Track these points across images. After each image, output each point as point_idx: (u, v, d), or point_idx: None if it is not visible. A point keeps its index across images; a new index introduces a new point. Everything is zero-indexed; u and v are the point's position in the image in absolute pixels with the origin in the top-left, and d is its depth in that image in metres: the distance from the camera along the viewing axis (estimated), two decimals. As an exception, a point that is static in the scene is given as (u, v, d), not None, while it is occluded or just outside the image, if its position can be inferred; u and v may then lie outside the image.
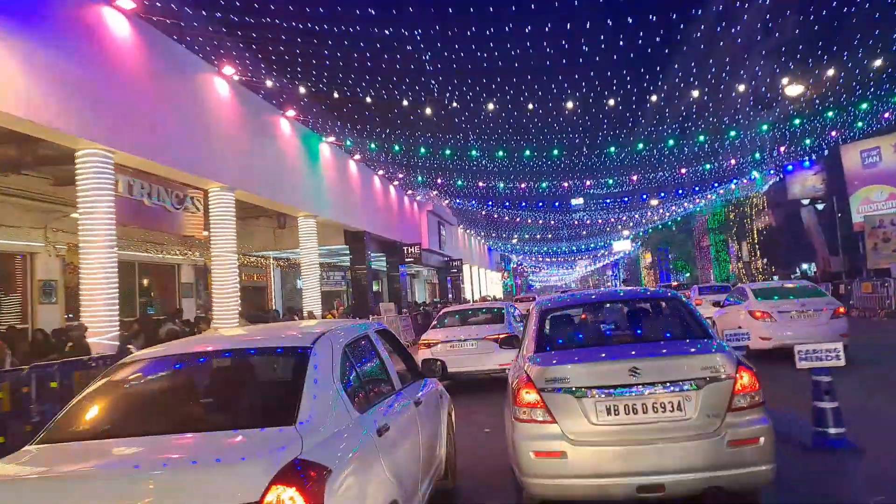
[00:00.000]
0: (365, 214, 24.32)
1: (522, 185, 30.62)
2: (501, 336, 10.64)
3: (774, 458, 4.06)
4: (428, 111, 19.45)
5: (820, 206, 29.09)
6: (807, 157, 28.07)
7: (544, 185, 31.00)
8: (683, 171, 42.98)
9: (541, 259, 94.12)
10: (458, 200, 36.43)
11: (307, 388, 3.10)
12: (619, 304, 6.45)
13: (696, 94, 23.93)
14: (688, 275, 57.82)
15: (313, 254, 18.38)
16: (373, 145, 21.44)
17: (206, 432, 2.99)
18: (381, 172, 26.99)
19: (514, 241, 69.64)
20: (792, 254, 30.97)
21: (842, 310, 11.67)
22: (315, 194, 19.01)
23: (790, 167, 27.39)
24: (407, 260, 29.16)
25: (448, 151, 23.68)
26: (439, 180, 29.43)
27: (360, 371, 3.90)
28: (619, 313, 6.49)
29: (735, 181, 41.16)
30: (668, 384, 4.07)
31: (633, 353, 4.61)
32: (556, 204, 41.60)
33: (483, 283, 61.91)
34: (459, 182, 30.01)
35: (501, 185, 30.50)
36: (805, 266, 32.40)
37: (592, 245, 72.53)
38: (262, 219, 22.13)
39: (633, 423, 4.07)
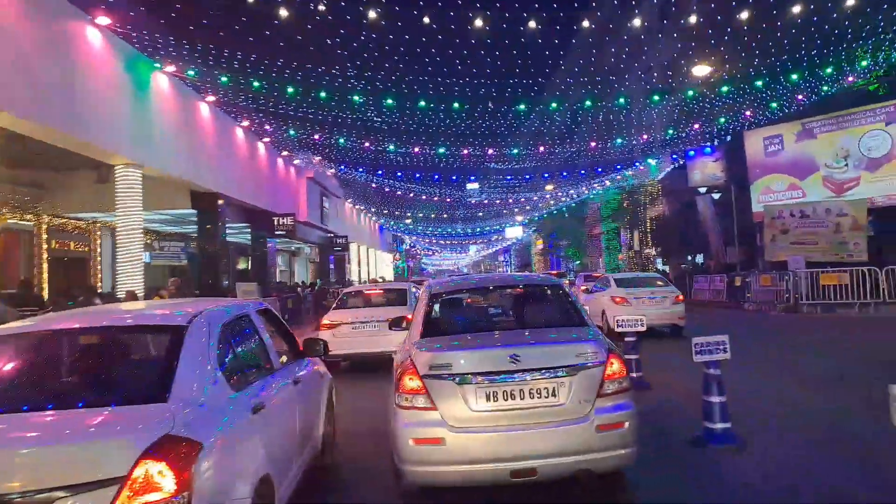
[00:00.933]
0: (221, 173, 20.17)
1: (416, 150, 27.21)
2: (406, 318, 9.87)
3: (636, 441, 4.30)
4: (283, 13, 15.01)
5: (716, 196, 28.24)
6: (708, 144, 27.06)
7: (441, 150, 27.75)
8: (579, 157, 42.02)
9: (434, 241, 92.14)
10: (343, 167, 32.58)
11: (181, 365, 3.14)
12: (507, 289, 6.43)
13: (594, 76, 21.89)
14: (578, 262, 57.57)
15: (135, 215, 14.17)
16: (224, 78, 17.21)
17: (78, 408, 2.94)
18: (245, 124, 22.77)
19: (409, 220, 66.82)
20: (685, 243, 30.22)
21: (680, 297, 14.40)
22: (142, 137, 14.68)
23: (691, 153, 26.29)
24: (277, 233, 25.21)
25: (323, 94, 19.67)
26: (316, 136, 25.40)
27: (238, 350, 3.96)
28: (506, 298, 6.46)
29: (632, 167, 40.43)
30: (544, 371, 4.22)
31: (515, 340, 4.75)
32: (454, 178, 38.79)
33: (373, 265, 58.47)
34: (341, 140, 26.13)
35: (392, 146, 26.93)
36: (699, 256, 31.85)
37: (487, 228, 71.10)
38: (81, 171, 17.48)
39: (510, 409, 4.18)
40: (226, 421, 3.15)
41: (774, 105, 23.04)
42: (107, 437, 2.64)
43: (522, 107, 23.33)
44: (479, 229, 70.04)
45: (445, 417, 4.16)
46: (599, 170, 39.52)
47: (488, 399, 4.17)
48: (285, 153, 27.61)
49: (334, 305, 12.50)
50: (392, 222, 61.20)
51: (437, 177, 35.87)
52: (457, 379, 4.19)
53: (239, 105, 21.00)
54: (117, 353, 3.66)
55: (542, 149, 40.62)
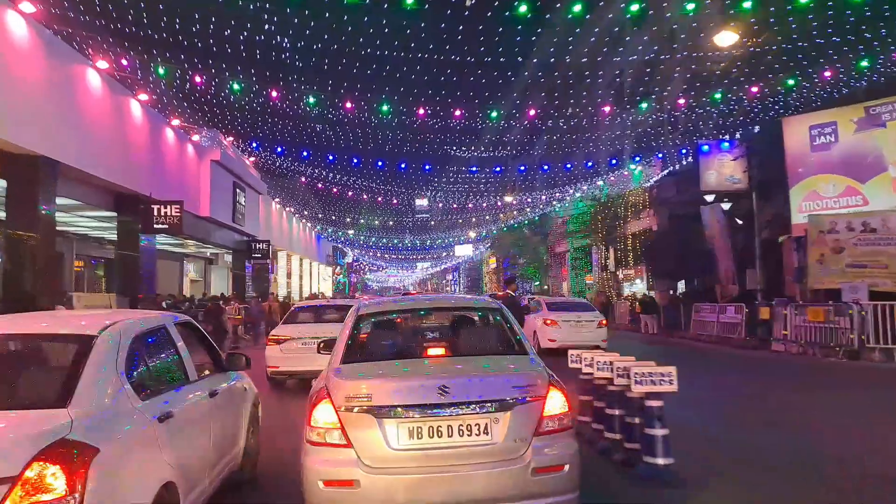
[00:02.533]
0: (55, 128, 13.30)
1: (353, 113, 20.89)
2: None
3: (578, 485, 3.87)
4: None
5: (726, 206, 22.85)
6: (726, 139, 21.66)
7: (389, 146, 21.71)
8: (546, 159, 36.73)
9: (379, 255, 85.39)
10: (256, 144, 25.77)
11: (86, 374, 3.22)
12: (444, 311, 6.15)
13: (571, 45, 16.66)
14: (537, 283, 52.02)
15: None
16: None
17: None
18: (105, 67, 15.83)
19: (351, 232, 60.14)
20: (682, 265, 24.76)
21: (604, 322, 15.68)
22: None
23: (705, 147, 20.88)
24: (157, 227, 18.23)
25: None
26: (196, 77, 18.67)
27: (151, 361, 4.00)
28: (443, 322, 6.15)
29: (609, 174, 35.19)
30: (475, 405, 3.75)
31: (445, 369, 4.31)
32: (403, 166, 32.25)
33: (308, 278, 51.29)
34: (235, 85, 19.45)
35: (312, 98, 20.54)
36: (695, 281, 26.43)
37: (438, 241, 64.89)
38: None
39: (435, 448, 3.71)
40: (128, 428, 3.24)
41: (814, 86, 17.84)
42: (2, 439, 2.74)
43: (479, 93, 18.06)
44: (428, 241, 63.70)
45: (362, 456, 3.67)
46: (569, 172, 34.23)
47: (411, 436, 3.69)
48: (177, 121, 20.67)
49: (283, 320, 12.46)
50: (332, 230, 54.10)
51: (380, 164, 29.34)
52: (376, 412, 3.70)
53: (91, 35, 14.18)
54: (25, 360, 3.71)
55: (503, 151, 35.41)
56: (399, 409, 3.69)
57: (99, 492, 2.74)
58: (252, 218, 29.73)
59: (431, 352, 4.98)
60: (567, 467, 3.76)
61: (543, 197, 44.20)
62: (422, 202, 70.90)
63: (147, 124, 18.62)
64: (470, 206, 50.30)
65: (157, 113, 19.84)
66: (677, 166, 27.01)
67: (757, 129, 21.79)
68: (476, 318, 5.69)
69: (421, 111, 21.02)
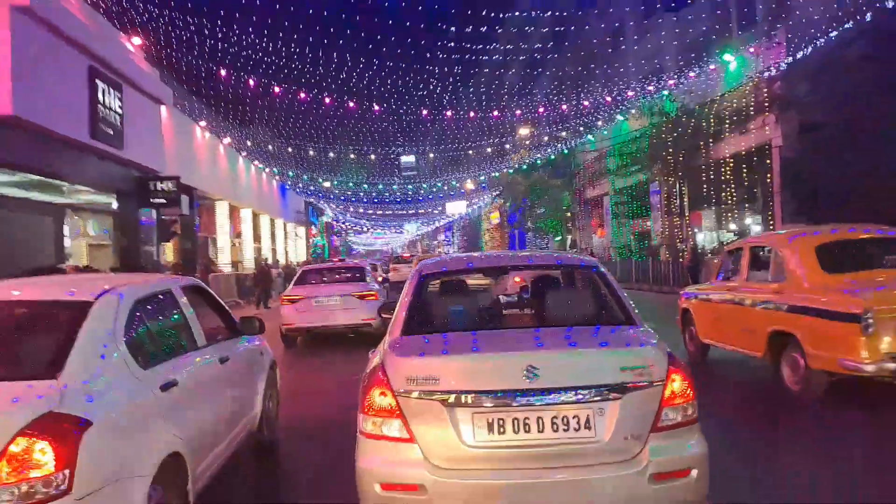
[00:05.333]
0: None
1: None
2: (366, 293, 11.46)
3: (706, 496, 3.05)
4: None
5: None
6: None
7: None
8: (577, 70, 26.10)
9: (364, 213, 74.57)
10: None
11: (80, 342, 3.10)
12: (527, 271, 5.40)
13: None
14: (558, 239, 41.58)
15: None
16: None
17: None
18: None
19: (328, 184, 49.14)
20: (834, 196, 14.59)
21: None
22: None
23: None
24: None
25: None
26: None
27: (154, 327, 3.87)
28: (526, 285, 5.46)
29: (673, 78, 24.62)
30: (575, 391, 2.95)
31: (533, 344, 3.36)
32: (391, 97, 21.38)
33: (270, 238, 40.47)
34: None
35: None
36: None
37: (432, 193, 53.94)
38: None
39: (522, 446, 2.95)
40: (126, 399, 3.13)
41: None
42: None
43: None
44: (421, 191, 52.68)
45: (428, 454, 2.97)
46: (609, 83, 23.57)
47: (490, 430, 2.95)
48: None
49: (294, 280, 12.94)
50: (292, 174, 42.79)
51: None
52: (447, 399, 2.96)
53: None
54: (14, 329, 3.49)
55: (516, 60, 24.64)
56: (475, 395, 2.94)
57: (92, 466, 2.66)
58: (145, 140, 18.71)
59: (513, 322, 4.28)
60: (695, 473, 2.94)
61: (565, 129, 33.52)
62: (408, 159, 60.88)
63: None
64: (471, 150, 39.56)
65: None
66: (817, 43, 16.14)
67: None
68: (566, 279, 4.72)
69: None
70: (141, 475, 2.96)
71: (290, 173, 38.52)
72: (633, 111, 27.24)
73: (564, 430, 2.91)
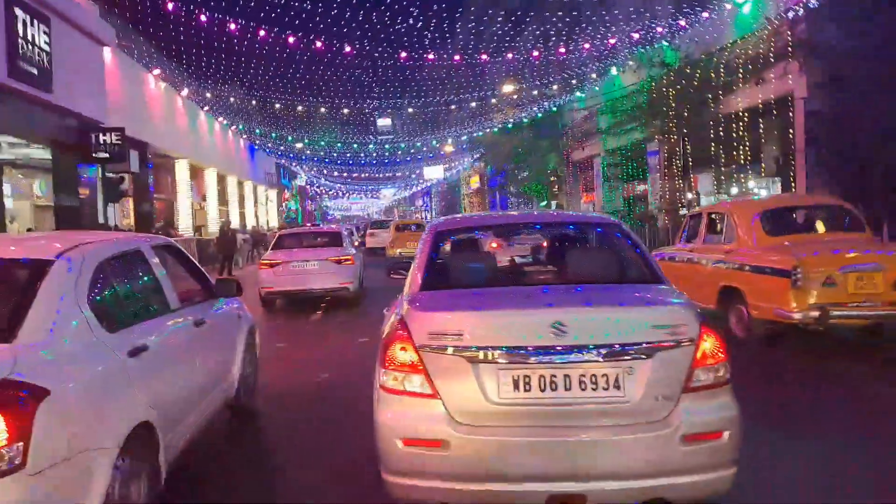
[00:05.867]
0: None
1: None
2: (342, 258, 11.89)
3: (737, 459, 2.95)
4: None
5: None
6: None
7: None
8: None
9: (339, 175, 71.85)
10: None
11: (38, 304, 2.90)
12: (543, 228, 5.16)
13: None
14: (543, 203, 39.73)
15: None
16: None
17: None
18: None
19: (300, 145, 46.42)
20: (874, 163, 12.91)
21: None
22: None
23: None
24: None
25: None
26: None
27: (122, 289, 3.69)
28: (541, 243, 5.27)
29: (673, 26, 22.74)
30: (604, 348, 2.88)
31: (560, 299, 3.33)
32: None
33: (239, 203, 37.94)
34: None
35: None
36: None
37: (409, 155, 51.52)
38: None
39: (549, 404, 2.88)
40: (89, 365, 2.95)
41: None
42: None
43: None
44: (399, 153, 50.21)
45: (451, 410, 2.91)
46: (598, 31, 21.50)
47: (517, 387, 2.88)
48: None
49: (271, 246, 13.17)
50: (272, 136, 39.98)
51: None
52: (471, 354, 2.90)
53: None
54: None
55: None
56: (501, 351, 2.89)
57: (50, 439, 2.47)
58: (82, 85, 16.13)
59: (534, 279, 4.13)
60: (726, 435, 2.88)
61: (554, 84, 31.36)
62: (385, 122, 59.16)
63: None
64: (453, 105, 37.19)
65: None
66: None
67: None
68: (587, 237, 4.73)
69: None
70: (105, 447, 2.76)
71: (258, 131, 35.68)
72: (631, 62, 25.09)
73: (593, 389, 2.85)
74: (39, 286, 2.92)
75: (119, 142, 16.72)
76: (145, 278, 3.90)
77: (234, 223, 32.53)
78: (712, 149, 20.63)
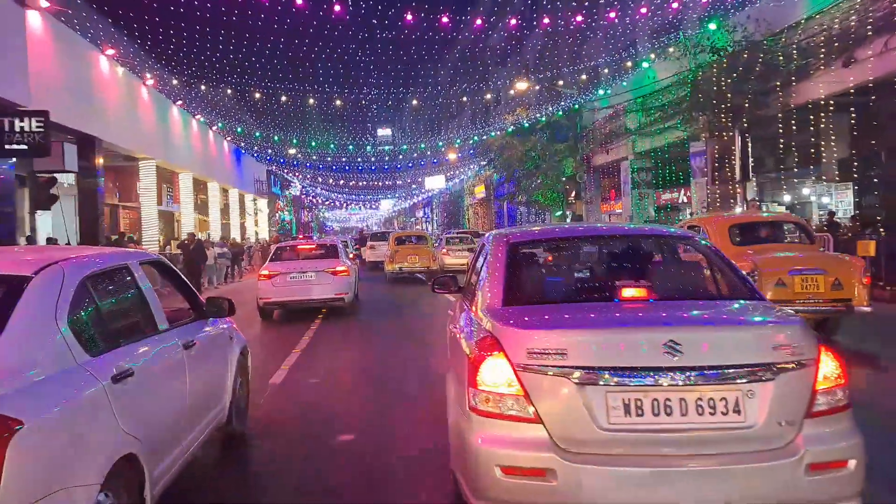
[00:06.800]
0: None
1: None
2: (339, 269, 12.12)
3: (862, 490, 2.74)
4: None
5: None
6: None
7: None
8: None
9: (336, 185, 68.35)
10: None
11: (12, 325, 2.67)
12: (622, 241, 4.52)
13: None
14: (559, 214, 36.03)
15: None
16: None
17: None
18: None
19: (293, 151, 42.93)
20: None
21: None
22: None
23: None
24: None
25: None
26: None
27: (106, 308, 3.42)
28: (621, 257, 4.47)
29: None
30: (721, 370, 2.67)
31: (669, 317, 3.07)
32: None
33: (227, 213, 34.23)
34: None
35: None
36: None
37: (411, 160, 47.96)
38: None
39: (665, 430, 2.67)
40: (68, 392, 2.70)
41: None
42: None
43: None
44: (399, 157, 46.63)
45: (556, 437, 2.70)
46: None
47: (628, 411, 2.67)
48: None
49: (269, 258, 13.35)
50: (255, 135, 36.23)
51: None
52: (577, 375, 2.68)
53: None
54: None
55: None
56: (608, 372, 2.67)
57: (24, 474, 2.28)
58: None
59: (627, 293, 3.43)
60: (852, 464, 2.67)
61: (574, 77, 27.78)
62: (384, 132, 56.27)
63: None
64: (464, 98, 33.60)
65: None
66: None
67: None
68: (661, 251, 4.39)
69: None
70: (86, 483, 2.57)
71: (239, 129, 31.95)
72: (672, 49, 21.47)
73: (711, 414, 2.66)
74: (15, 305, 2.71)
75: (40, 129, 12.99)
76: (131, 297, 3.66)
77: (215, 235, 28.78)
78: (781, 147, 16.92)
